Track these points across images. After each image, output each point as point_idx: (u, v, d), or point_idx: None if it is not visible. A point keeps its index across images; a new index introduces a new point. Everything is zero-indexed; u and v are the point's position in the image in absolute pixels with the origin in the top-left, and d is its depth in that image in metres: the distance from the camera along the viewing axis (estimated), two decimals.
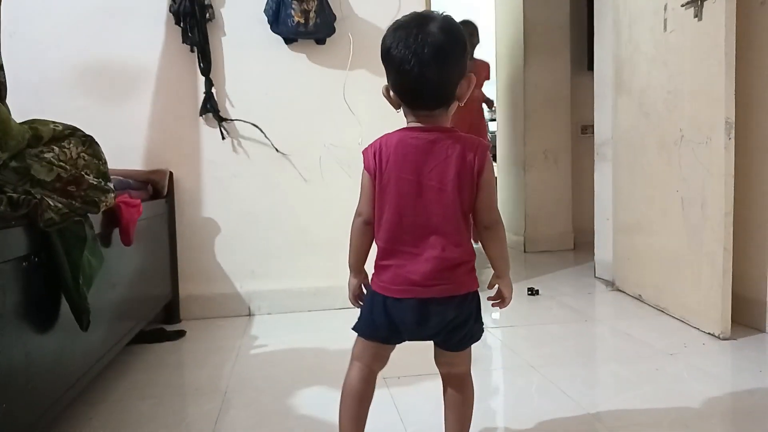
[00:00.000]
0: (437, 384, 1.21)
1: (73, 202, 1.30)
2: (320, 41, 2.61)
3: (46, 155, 1.27)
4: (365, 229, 1.16)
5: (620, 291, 2.89)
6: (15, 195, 1.14)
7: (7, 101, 1.30)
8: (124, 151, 2.48)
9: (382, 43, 1.08)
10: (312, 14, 2.48)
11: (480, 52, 3.87)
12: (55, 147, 1.32)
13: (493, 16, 4.87)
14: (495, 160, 4.85)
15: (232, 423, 1.53)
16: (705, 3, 2.09)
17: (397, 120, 1.16)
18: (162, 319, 2.50)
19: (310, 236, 2.67)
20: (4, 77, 1.30)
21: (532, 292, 2.90)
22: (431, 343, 1.17)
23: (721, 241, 2.05)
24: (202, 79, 2.57)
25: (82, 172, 1.35)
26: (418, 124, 1.10)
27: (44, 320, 1.26)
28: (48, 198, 1.21)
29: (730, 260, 2.05)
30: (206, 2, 2.52)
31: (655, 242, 2.54)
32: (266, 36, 2.57)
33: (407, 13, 1.10)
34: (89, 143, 1.43)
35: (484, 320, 1.16)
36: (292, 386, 1.76)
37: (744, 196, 2.15)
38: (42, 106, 2.36)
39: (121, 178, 1.96)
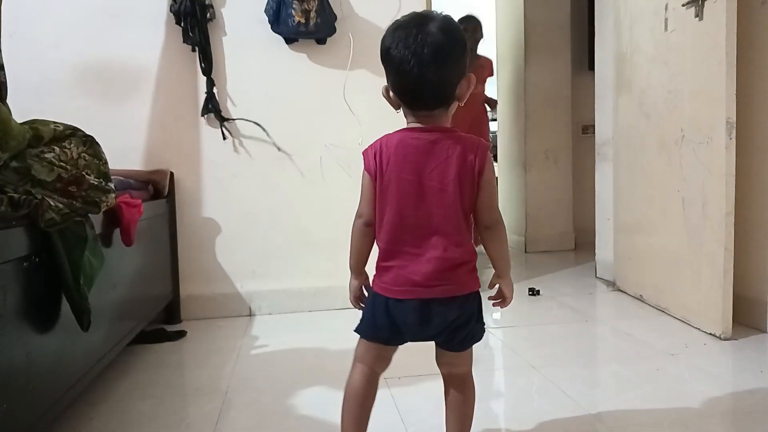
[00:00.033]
0: (438, 384, 1.21)
1: (74, 203, 1.30)
2: (321, 41, 2.61)
3: (46, 155, 1.27)
4: (366, 231, 1.15)
5: (621, 291, 2.89)
6: (16, 195, 1.14)
7: (7, 101, 1.30)
8: (125, 151, 2.49)
9: (381, 44, 1.08)
10: (312, 14, 2.48)
11: (481, 52, 3.86)
12: (55, 147, 1.32)
13: (493, 16, 4.88)
14: (495, 159, 4.85)
15: (233, 423, 1.53)
16: (706, 3, 2.08)
17: (397, 120, 1.16)
18: (163, 320, 2.50)
19: (311, 236, 2.67)
20: (5, 77, 1.30)
21: (533, 292, 2.90)
22: (432, 343, 1.17)
23: (721, 241, 2.05)
24: (202, 79, 2.57)
25: (83, 173, 1.35)
26: (418, 125, 1.10)
27: (45, 320, 1.26)
28: (49, 198, 1.21)
29: (731, 260, 2.05)
30: (207, 2, 2.52)
31: (656, 242, 2.54)
32: (267, 36, 2.57)
33: (408, 12, 1.10)
34: (90, 143, 1.43)
35: (485, 320, 1.16)
36: (293, 386, 1.76)
37: (744, 195, 2.15)
38: (42, 106, 2.35)
39: (121, 178, 1.96)
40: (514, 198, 4.57)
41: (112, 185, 1.46)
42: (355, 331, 1.16)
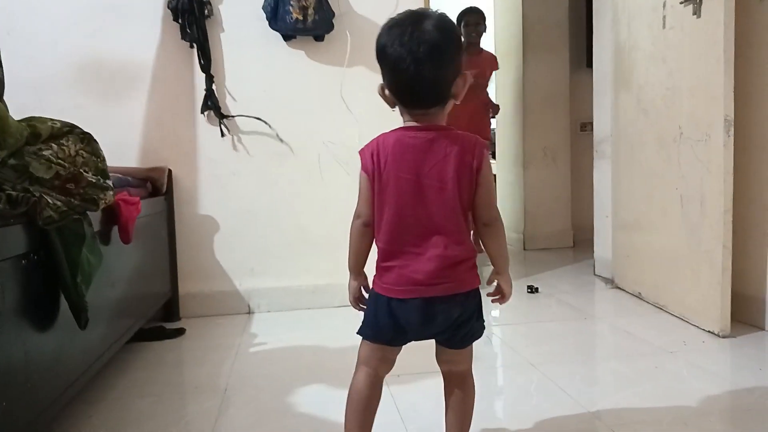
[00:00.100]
0: (437, 382, 1.21)
1: (72, 200, 1.30)
2: (319, 38, 2.61)
3: (44, 153, 1.27)
4: (365, 231, 1.15)
5: (620, 289, 2.89)
6: (14, 193, 1.13)
7: (5, 99, 1.29)
8: (123, 148, 2.49)
9: (376, 42, 1.07)
10: (310, 11, 2.47)
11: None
12: (53, 144, 1.32)
13: (492, 14, 4.86)
14: (494, 157, 4.85)
15: (232, 421, 1.53)
16: (704, 0, 2.08)
17: (395, 117, 1.16)
18: (161, 317, 2.50)
19: (309, 234, 2.67)
20: (3, 75, 1.30)
21: (532, 289, 2.90)
22: (431, 341, 1.17)
23: (720, 239, 2.05)
24: (199, 76, 2.56)
25: (81, 170, 1.35)
26: (415, 124, 1.10)
27: (43, 318, 1.25)
28: (47, 196, 1.21)
29: (730, 258, 2.05)
30: None
31: (655, 240, 2.54)
32: (265, 32, 2.56)
33: (405, 10, 1.10)
34: (88, 140, 1.42)
35: (484, 318, 1.16)
36: (292, 384, 1.76)
37: (743, 193, 2.15)
38: (40, 103, 2.35)
39: (119, 175, 1.96)
40: (513, 195, 4.57)
41: (110, 182, 1.45)
42: (357, 333, 1.15)
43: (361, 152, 1.12)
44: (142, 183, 2.31)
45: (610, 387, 1.74)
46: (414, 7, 1.16)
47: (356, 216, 1.16)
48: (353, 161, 2.51)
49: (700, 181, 2.16)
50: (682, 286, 2.31)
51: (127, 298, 1.89)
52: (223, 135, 2.59)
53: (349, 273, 1.22)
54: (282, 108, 2.63)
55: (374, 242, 1.15)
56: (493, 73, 3.64)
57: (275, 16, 2.49)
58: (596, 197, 3.25)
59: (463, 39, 3.32)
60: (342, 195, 2.58)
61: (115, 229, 1.70)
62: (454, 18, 3.26)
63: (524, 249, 4.33)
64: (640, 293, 2.68)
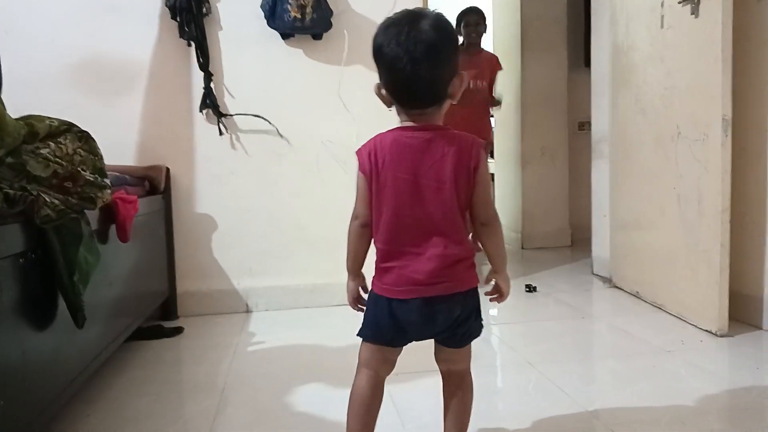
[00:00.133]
0: (435, 381, 1.21)
1: (70, 199, 1.29)
2: (317, 36, 2.60)
3: (42, 151, 1.27)
4: (363, 232, 1.14)
5: (617, 288, 2.89)
6: (11, 191, 1.13)
7: (2, 97, 1.29)
8: (121, 147, 2.48)
9: (373, 41, 1.07)
10: (308, 9, 2.47)
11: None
12: (51, 143, 1.31)
13: (490, 13, 4.86)
14: (492, 156, 4.84)
15: (230, 420, 1.53)
16: (702, 0, 2.08)
17: (393, 116, 1.15)
18: (159, 316, 2.49)
19: (308, 233, 2.67)
20: (0, 73, 1.29)
21: (530, 288, 2.90)
22: (430, 340, 1.17)
23: (717, 238, 2.06)
24: (197, 74, 2.56)
25: (79, 168, 1.35)
26: (411, 123, 1.09)
27: (41, 317, 1.25)
28: (44, 194, 1.20)
29: (727, 257, 2.05)
30: None
31: (652, 239, 2.54)
32: (263, 31, 2.56)
33: (403, 8, 1.10)
34: (85, 139, 1.42)
35: (482, 317, 1.16)
36: (290, 383, 1.75)
37: (740, 192, 2.15)
38: (38, 101, 2.33)
39: (117, 174, 1.96)
40: (511, 195, 4.57)
41: (107, 181, 1.45)
42: (357, 335, 1.15)
43: (358, 152, 1.12)
44: (140, 181, 2.30)
45: (608, 386, 1.74)
46: (412, 5, 1.16)
47: (354, 217, 1.15)
48: (351, 160, 2.49)
49: (698, 181, 2.16)
50: (679, 286, 2.31)
51: (125, 296, 1.88)
52: (221, 133, 2.59)
53: (347, 274, 1.22)
54: (280, 107, 2.63)
55: (372, 243, 1.14)
56: (501, 66, 3.47)
57: (273, 14, 2.49)
58: (594, 196, 3.25)
59: (463, 39, 3.33)
60: (340, 194, 2.58)
61: (113, 227, 1.70)
62: (453, 17, 3.28)
63: (522, 248, 4.34)
64: (637, 292, 2.68)
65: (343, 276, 1.24)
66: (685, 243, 2.26)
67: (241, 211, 2.63)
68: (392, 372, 1.18)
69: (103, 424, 1.53)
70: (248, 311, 2.64)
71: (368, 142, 1.11)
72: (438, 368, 1.20)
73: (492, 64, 3.41)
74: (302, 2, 2.45)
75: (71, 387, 1.39)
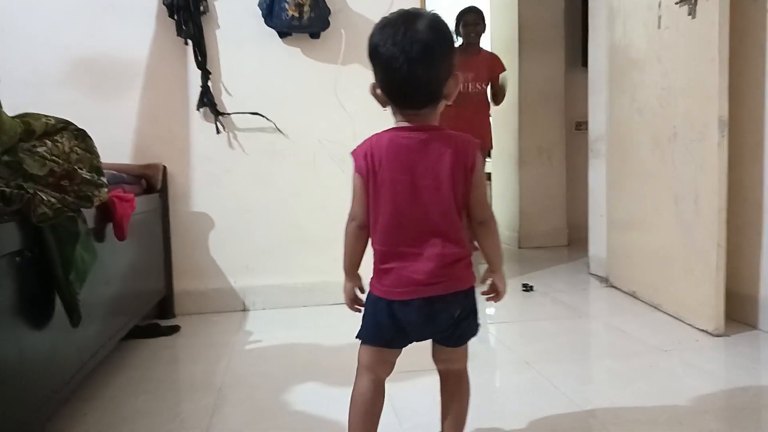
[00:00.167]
0: (432, 380, 1.21)
1: (67, 197, 1.29)
2: (314, 35, 2.60)
3: (38, 149, 1.26)
4: (360, 234, 1.13)
5: (614, 287, 2.90)
6: (8, 190, 1.13)
7: None
8: (118, 145, 2.47)
9: (369, 41, 1.06)
10: (306, 8, 2.46)
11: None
12: (47, 141, 1.31)
13: (488, 13, 4.86)
14: (489, 156, 4.84)
15: (227, 419, 1.53)
16: (699, 0, 2.09)
17: (390, 115, 1.15)
18: (156, 315, 2.49)
19: (305, 232, 2.67)
20: None
21: (527, 288, 2.91)
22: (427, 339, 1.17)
23: (714, 238, 2.06)
24: (194, 72, 2.55)
25: (75, 167, 1.34)
26: (407, 124, 1.09)
27: (38, 316, 1.25)
28: (41, 193, 1.20)
29: (724, 257, 2.06)
30: None
31: (649, 239, 2.55)
32: (260, 29, 2.55)
33: (401, 7, 1.10)
34: (82, 137, 1.42)
35: (479, 316, 1.16)
36: (287, 382, 1.75)
37: (737, 192, 2.16)
38: (34, 99, 2.33)
39: (114, 172, 1.95)
40: (508, 194, 4.57)
41: (104, 179, 1.45)
42: (357, 338, 1.14)
43: (354, 153, 1.11)
44: (137, 180, 2.30)
45: (605, 385, 1.75)
46: (409, 5, 1.16)
47: (351, 218, 1.14)
48: (349, 159, 2.50)
49: (695, 181, 2.17)
50: (676, 285, 2.32)
51: (122, 295, 1.88)
52: (218, 132, 2.59)
53: (344, 275, 1.21)
54: (278, 105, 2.62)
55: (370, 244, 1.14)
56: (504, 67, 3.41)
57: (271, 13, 2.49)
58: (591, 196, 3.26)
59: (461, 39, 3.32)
60: (337, 192, 2.57)
61: (110, 226, 1.69)
62: (451, 17, 3.27)
63: (519, 247, 4.34)
64: (634, 292, 2.69)
65: (340, 274, 1.23)
66: (682, 243, 2.26)
67: (238, 210, 2.63)
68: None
69: (99, 422, 1.52)
70: (245, 310, 2.64)
71: (363, 143, 1.11)
72: (435, 368, 1.20)
73: (491, 65, 3.36)
74: (300, 1, 2.44)
75: (68, 385, 1.39)
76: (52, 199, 1.23)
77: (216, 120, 2.57)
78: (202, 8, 2.50)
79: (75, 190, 1.32)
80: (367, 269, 1.15)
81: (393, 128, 1.10)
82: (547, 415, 1.49)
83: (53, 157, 1.29)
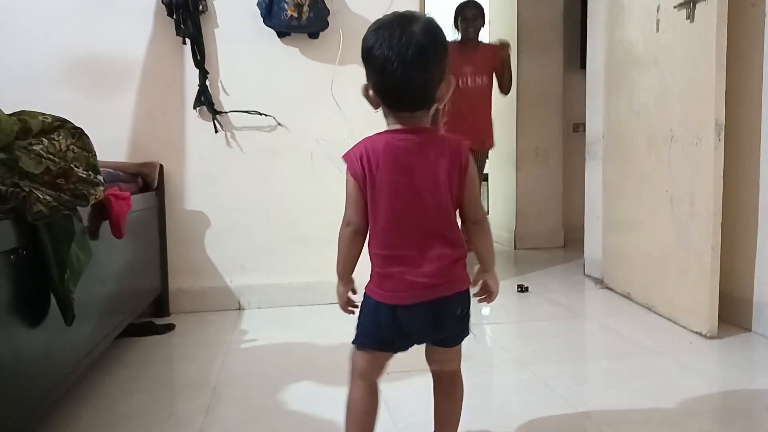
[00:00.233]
0: (426, 380, 1.22)
1: (62, 195, 1.29)
2: (313, 35, 2.60)
3: (34, 147, 1.26)
4: (355, 239, 1.11)
5: (609, 289, 2.90)
6: (3, 188, 1.12)
7: None
8: (114, 143, 2.47)
9: (363, 43, 1.06)
10: (305, 8, 2.46)
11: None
12: (44, 139, 1.31)
13: (487, 12, 4.85)
14: (487, 156, 4.83)
15: (222, 418, 1.53)
16: (698, 4, 2.09)
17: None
18: (151, 313, 2.49)
19: (301, 231, 2.67)
20: None
21: (522, 288, 2.91)
22: None
23: (709, 241, 2.07)
24: (192, 71, 2.55)
25: (72, 165, 1.34)
26: (400, 126, 1.09)
27: (33, 314, 1.24)
28: (37, 191, 1.20)
29: (718, 259, 2.07)
30: None
31: (644, 241, 2.56)
32: (259, 29, 2.55)
33: (400, 7, 1.10)
34: (78, 135, 1.41)
35: (473, 317, 1.16)
36: (282, 381, 1.75)
37: (731, 195, 2.16)
38: (31, 98, 2.34)
39: (110, 170, 1.95)
40: (505, 195, 4.58)
41: (100, 178, 1.45)
42: (353, 343, 1.13)
43: (347, 157, 1.09)
44: (133, 178, 2.29)
45: (600, 386, 1.75)
46: (409, 4, 1.16)
47: (346, 223, 1.12)
48: None
49: (690, 183, 2.18)
50: (670, 287, 2.32)
51: (117, 293, 1.88)
52: (216, 131, 2.58)
53: (337, 279, 1.18)
54: (276, 105, 2.62)
55: (366, 247, 1.13)
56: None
57: (269, 12, 2.48)
58: (587, 197, 3.26)
59: (459, 33, 3.28)
60: (334, 192, 2.54)
61: (106, 224, 1.69)
62: (450, 15, 3.26)
63: (515, 248, 4.35)
64: (629, 293, 2.70)
65: (335, 275, 1.23)
66: (677, 245, 2.27)
67: (234, 209, 2.63)
68: (384, 371, 1.17)
69: (94, 421, 1.52)
70: (240, 309, 2.64)
71: (356, 146, 1.09)
72: (429, 368, 1.20)
73: (491, 53, 3.23)
74: (299, 1, 2.44)
75: (63, 384, 1.39)
76: (48, 198, 1.22)
77: (213, 119, 2.57)
78: (201, 7, 2.50)
79: (71, 189, 1.32)
80: (361, 272, 1.15)
81: (387, 131, 1.10)
82: (542, 415, 1.50)
83: (49, 156, 1.28)
